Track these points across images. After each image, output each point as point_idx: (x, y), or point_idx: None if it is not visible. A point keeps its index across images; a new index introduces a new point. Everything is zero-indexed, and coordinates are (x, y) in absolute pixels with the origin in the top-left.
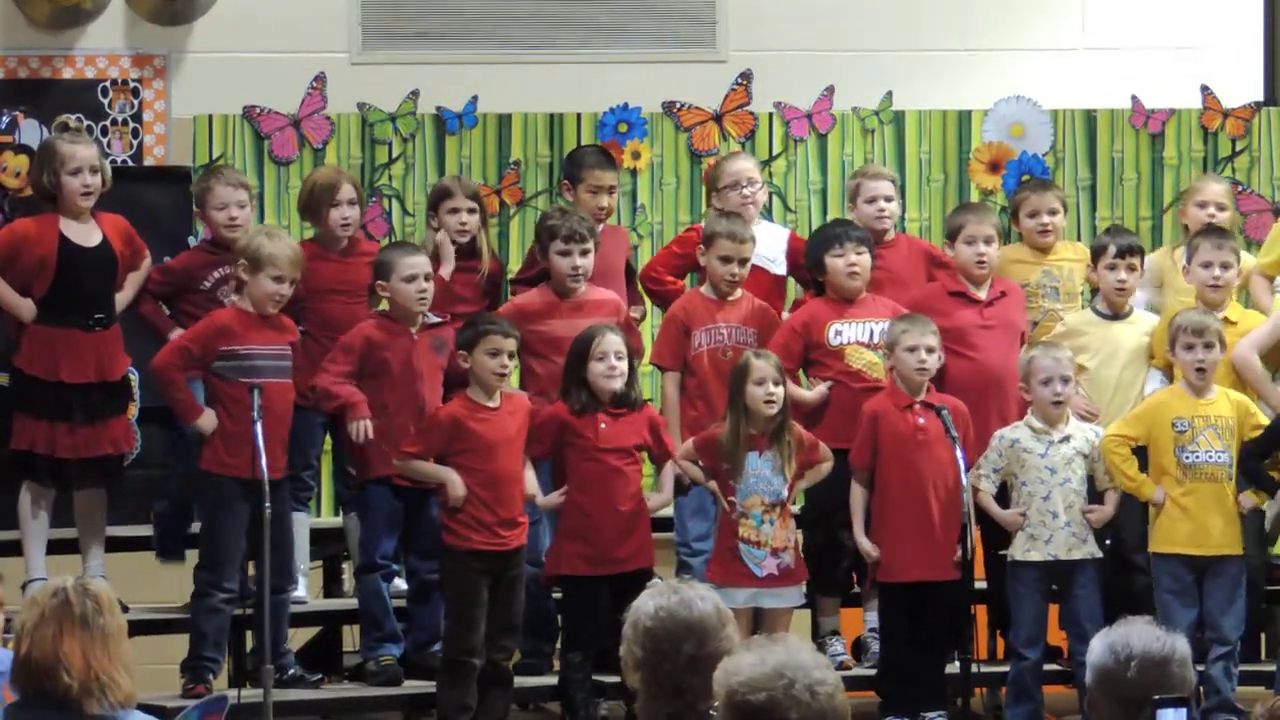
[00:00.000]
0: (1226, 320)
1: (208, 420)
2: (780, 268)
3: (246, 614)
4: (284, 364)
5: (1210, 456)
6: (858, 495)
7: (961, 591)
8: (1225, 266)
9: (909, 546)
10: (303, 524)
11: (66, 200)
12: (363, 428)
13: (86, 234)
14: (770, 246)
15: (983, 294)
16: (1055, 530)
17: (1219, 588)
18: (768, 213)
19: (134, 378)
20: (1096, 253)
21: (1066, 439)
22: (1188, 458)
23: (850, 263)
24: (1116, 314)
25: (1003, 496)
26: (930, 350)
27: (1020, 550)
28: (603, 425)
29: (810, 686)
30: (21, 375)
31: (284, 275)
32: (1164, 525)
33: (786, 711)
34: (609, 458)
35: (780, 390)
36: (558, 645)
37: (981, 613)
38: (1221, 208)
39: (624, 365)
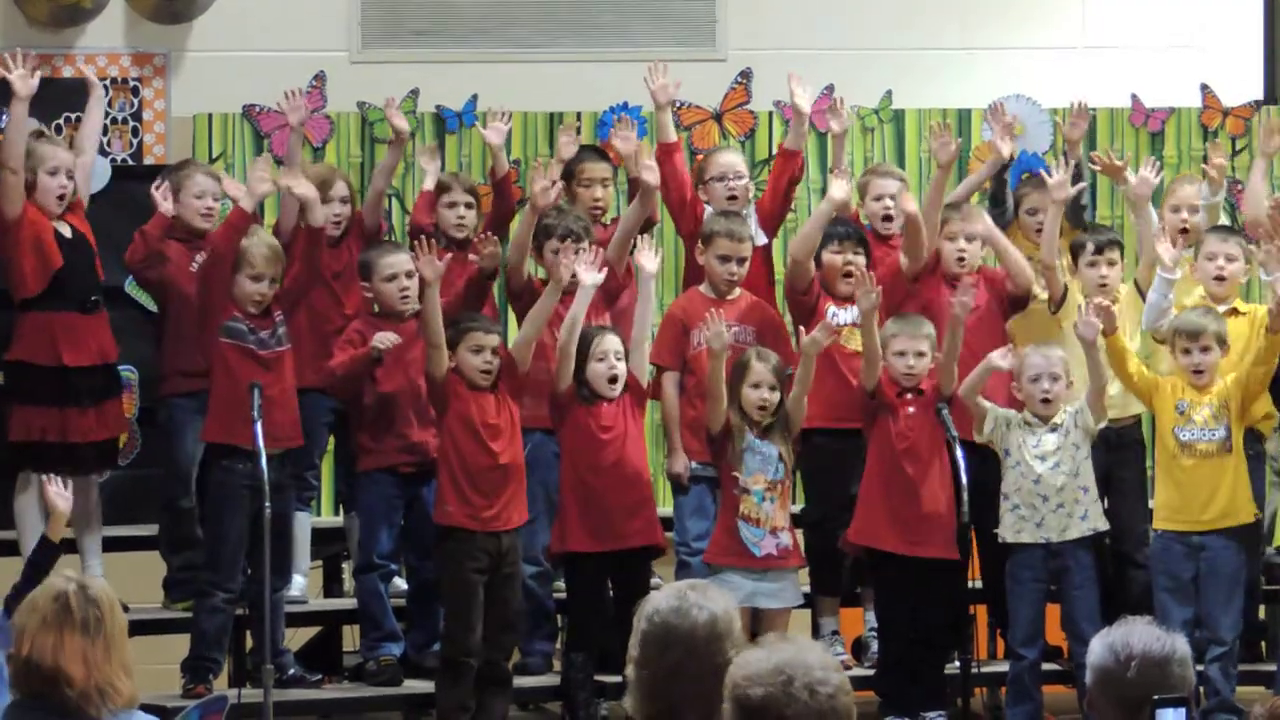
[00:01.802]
0: (1235, 311)
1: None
2: (762, 238)
3: (242, 614)
4: (281, 332)
5: (1204, 434)
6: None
7: (960, 589)
8: (1230, 259)
9: (904, 524)
10: (304, 524)
11: (40, 199)
12: (386, 339)
13: (61, 226)
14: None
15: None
16: (1046, 514)
17: (1215, 587)
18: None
19: (134, 376)
20: (1075, 251)
21: (1055, 428)
22: (1184, 435)
23: (846, 262)
24: None
25: (995, 474)
26: (920, 355)
27: (1010, 531)
28: (605, 405)
29: (810, 685)
30: (20, 366)
31: (261, 274)
32: (1163, 503)
33: (783, 708)
34: (614, 435)
35: (775, 396)
36: (557, 645)
37: (981, 613)
38: (1194, 210)
39: (623, 366)
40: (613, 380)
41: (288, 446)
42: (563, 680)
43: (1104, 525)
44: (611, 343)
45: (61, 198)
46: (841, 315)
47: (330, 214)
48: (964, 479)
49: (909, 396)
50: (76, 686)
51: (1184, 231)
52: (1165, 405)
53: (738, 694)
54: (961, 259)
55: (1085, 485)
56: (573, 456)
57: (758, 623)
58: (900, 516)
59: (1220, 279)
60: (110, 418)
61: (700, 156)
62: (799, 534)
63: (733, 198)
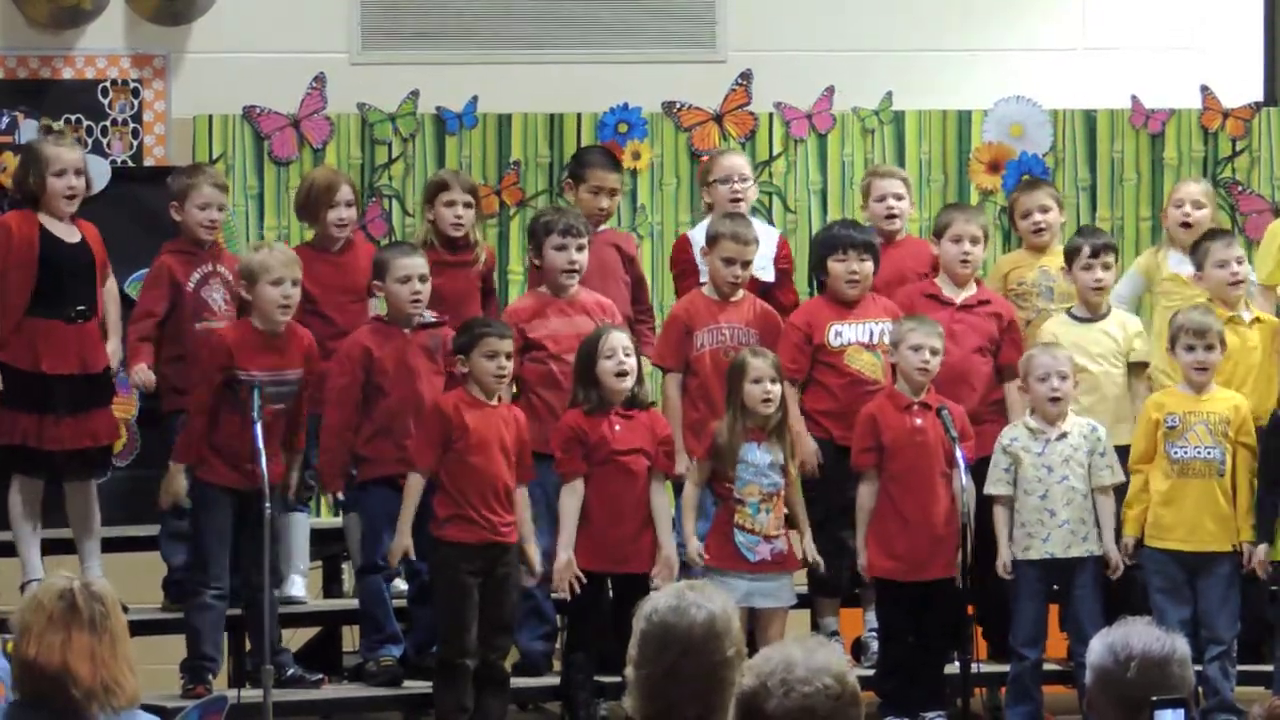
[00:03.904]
0: (1257, 320)
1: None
2: (769, 275)
3: (238, 614)
4: (283, 389)
5: (1200, 452)
6: (865, 497)
7: (962, 592)
8: (1240, 261)
9: (907, 547)
10: (302, 524)
11: (50, 202)
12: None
13: (67, 232)
14: (760, 254)
15: (959, 298)
16: (1053, 529)
17: (1212, 587)
18: (767, 213)
19: None
20: (1070, 254)
21: (1064, 436)
22: (1176, 453)
23: (851, 270)
24: (1093, 315)
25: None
26: (935, 352)
27: (1019, 549)
28: (616, 427)
29: (786, 683)
30: (4, 370)
31: (282, 277)
32: (1154, 521)
33: (761, 702)
34: (622, 459)
35: (777, 389)
36: (557, 646)
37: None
38: (1198, 205)
39: (633, 362)
40: (621, 375)
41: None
42: (563, 680)
43: (1099, 551)
44: (618, 339)
45: (71, 197)
46: (846, 333)
47: (336, 218)
48: (964, 480)
49: (915, 409)
50: (83, 685)
51: (1186, 226)
52: (1154, 426)
53: (738, 682)
54: (966, 260)
55: (1092, 507)
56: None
57: (755, 622)
58: (907, 546)
59: (1237, 283)
60: (95, 426)
61: (705, 158)
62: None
63: (736, 200)
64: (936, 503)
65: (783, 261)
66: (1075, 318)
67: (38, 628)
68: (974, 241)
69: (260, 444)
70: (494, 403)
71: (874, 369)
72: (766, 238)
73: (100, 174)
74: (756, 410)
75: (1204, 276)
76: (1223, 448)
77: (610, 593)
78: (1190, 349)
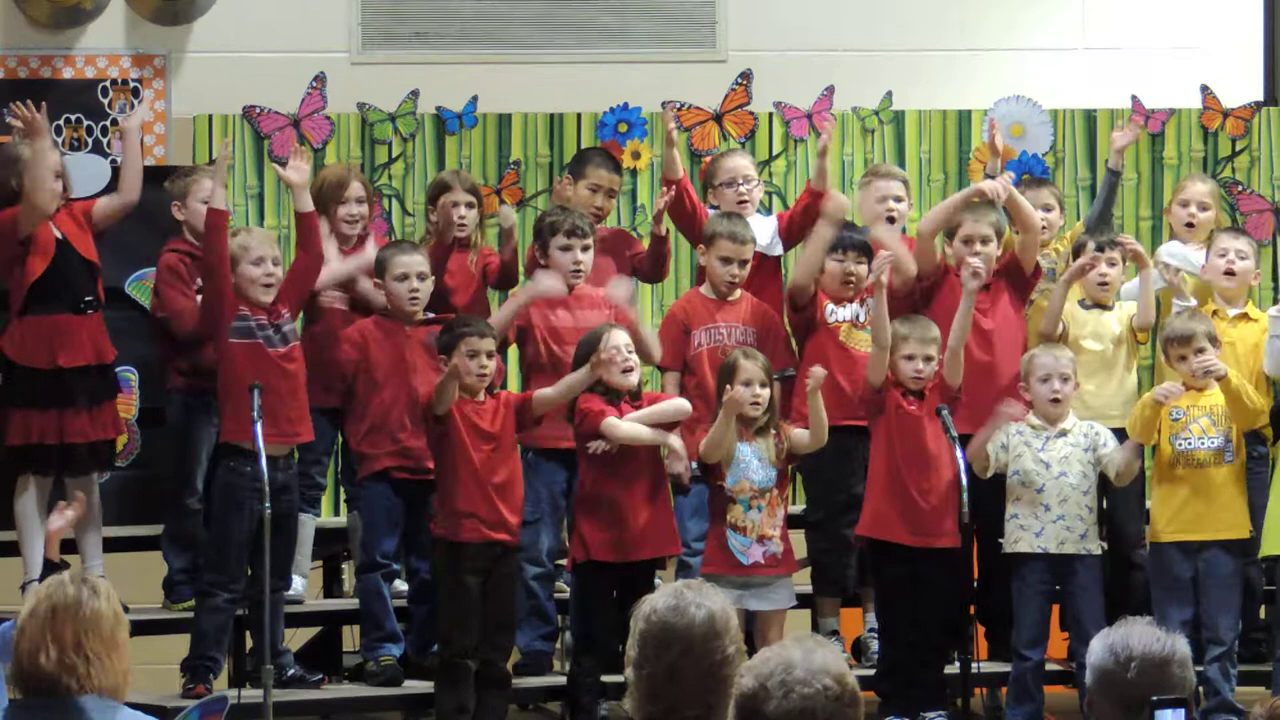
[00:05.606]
0: (1246, 316)
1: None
2: (777, 249)
3: (242, 614)
4: (287, 329)
5: (1202, 443)
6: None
7: (962, 583)
8: (1240, 256)
9: (905, 521)
10: (308, 524)
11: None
12: None
13: (52, 229)
14: (764, 235)
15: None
16: (1047, 524)
17: (1214, 587)
18: (767, 212)
19: (134, 376)
20: (1076, 251)
21: (1064, 434)
22: (1180, 445)
23: (848, 271)
24: (1101, 307)
25: (1000, 492)
26: (928, 359)
27: (1010, 541)
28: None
29: (789, 684)
30: (16, 370)
31: (263, 256)
32: (1158, 515)
33: (760, 703)
34: (635, 446)
35: (766, 392)
36: (558, 645)
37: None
38: (1204, 207)
39: (635, 358)
40: (627, 371)
41: (297, 442)
42: (569, 681)
43: (1098, 551)
44: (619, 337)
45: (50, 199)
46: (840, 313)
47: (346, 214)
48: (964, 480)
49: (910, 396)
50: (84, 684)
51: (1189, 226)
52: (1161, 419)
53: (737, 683)
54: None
55: (1092, 505)
56: (589, 461)
57: (753, 625)
58: (907, 509)
59: (1230, 273)
60: (105, 419)
61: (707, 159)
62: (800, 534)
63: (743, 203)
64: (934, 475)
65: (790, 234)
66: (1084, 307)
67: (37, 624)
68: (984, 241)
69: (260, 444)
70: (479, 399)
71: (868, 344)
72: (766, 221)
73: (100, 174)
74: (744, 412)
75: (1207, 267)
76: (1226, 430)
77: (615, 594)
78: (1183, 359)
